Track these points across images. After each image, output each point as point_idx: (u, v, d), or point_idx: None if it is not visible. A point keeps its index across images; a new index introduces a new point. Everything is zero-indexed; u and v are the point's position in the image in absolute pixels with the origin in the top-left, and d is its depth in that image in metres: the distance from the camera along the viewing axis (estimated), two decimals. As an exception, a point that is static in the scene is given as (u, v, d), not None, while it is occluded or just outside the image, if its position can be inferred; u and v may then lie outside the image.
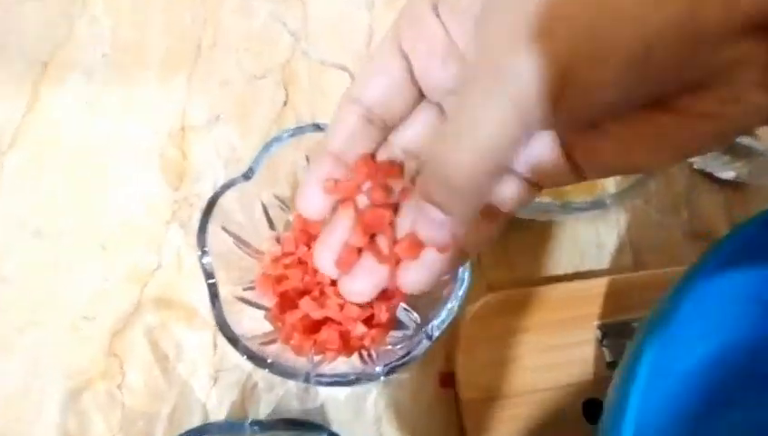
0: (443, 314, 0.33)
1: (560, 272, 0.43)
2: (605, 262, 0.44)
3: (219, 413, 0.40)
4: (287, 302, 0.38)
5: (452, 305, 0.33)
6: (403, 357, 0.32)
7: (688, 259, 0.45)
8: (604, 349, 0.39)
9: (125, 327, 0.41)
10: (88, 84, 0.47)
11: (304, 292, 0.38)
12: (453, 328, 0.41)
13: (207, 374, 0.40)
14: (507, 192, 0.23)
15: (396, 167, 0.27)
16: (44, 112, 0.46)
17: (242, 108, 0.47)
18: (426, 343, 0.33)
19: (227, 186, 0.36)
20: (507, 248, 0.44)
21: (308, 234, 0.40)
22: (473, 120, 0.19)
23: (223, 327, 0.32)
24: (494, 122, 0.19)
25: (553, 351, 0.39)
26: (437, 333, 0.33)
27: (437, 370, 0.40)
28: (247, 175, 0.37)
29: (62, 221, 0.43)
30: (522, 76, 0.18)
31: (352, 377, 0.31)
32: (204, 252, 0.34)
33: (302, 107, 0.48)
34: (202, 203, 0.40)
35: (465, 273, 0.34)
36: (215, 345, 0.41)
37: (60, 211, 0.44)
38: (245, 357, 0.32)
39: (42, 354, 0.40)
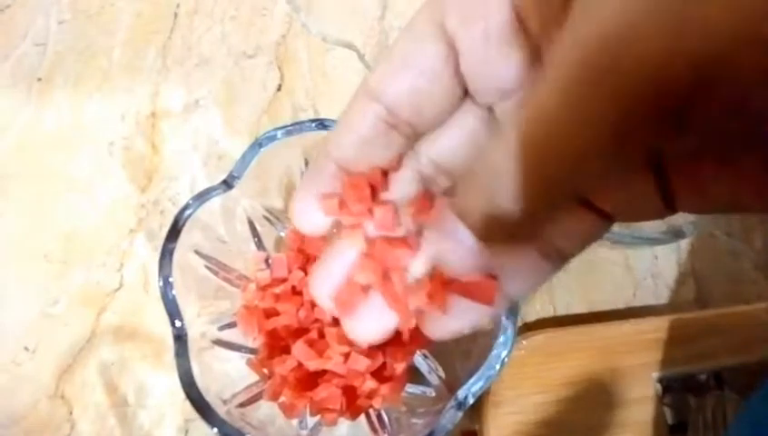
0: (480, 378, 0.25)
1: (609, 307, 0.36)
2: (663, 296, 0.37)
3: (189, 474, 0.32)
4: (276, 344, 0.30)
5: (492, 367, 0.25)
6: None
7: (760, 295, 0.38)
8: (665, 408, 0.32)
9: (75, 363, 0.33)
10: (39, 58, 0.39)
11: (299, 332, 0.30)
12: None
13: (175, 425, 0.33)
14: (573, 225, 0.17)
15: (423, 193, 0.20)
16: (-19, 90, 0.37)
17: (227, 92, 0.39)
18: (455, 414, 0.25)
19: (201, 198, 0.28)
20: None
21: (305, 256, 0.32)
22: (550, 112, 0.12)
23: (190, 389, 0.25)
24: (584, 125, 0.12)
25: (603, 410, 0.32)
26: (471, 401, 0.25)
27: (457, 428, 0.33)
28: (228, 183, 0.29)
29: None
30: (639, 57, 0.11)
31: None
32: (168, 284, 0.26)
33: (300, 93, 0.40)
34: (176, 209, 0.32)
35: (509, 321, 0.26)
36: (186, 389, 0.33)
37: (-2, 214, 0.36)
38: (215, 431, 0.24)
39: (-31, 395, 0.32)
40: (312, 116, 0.39)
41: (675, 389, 0.33)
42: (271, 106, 0.39)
